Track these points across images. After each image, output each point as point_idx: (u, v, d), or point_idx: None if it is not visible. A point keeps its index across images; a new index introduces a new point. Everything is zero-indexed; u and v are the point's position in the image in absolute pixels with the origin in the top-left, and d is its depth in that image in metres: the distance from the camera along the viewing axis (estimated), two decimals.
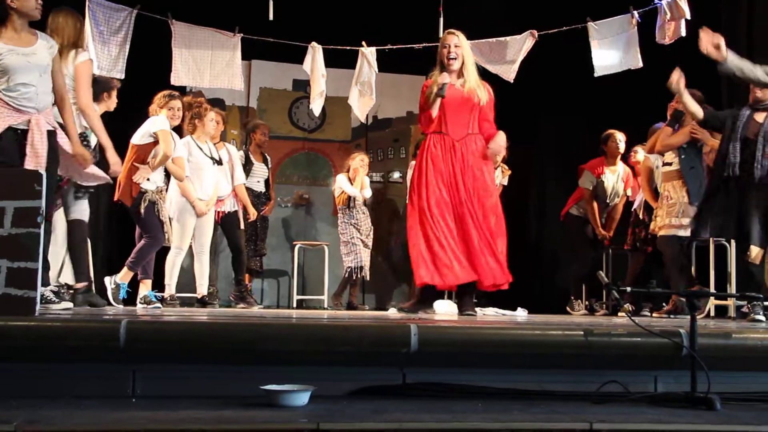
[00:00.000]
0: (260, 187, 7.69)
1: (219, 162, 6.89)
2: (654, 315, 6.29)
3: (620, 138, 7.29)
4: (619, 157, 7.36)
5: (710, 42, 4.78)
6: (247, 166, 7.57)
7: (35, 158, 4.26)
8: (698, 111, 5.36)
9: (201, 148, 6.74)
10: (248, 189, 7.37)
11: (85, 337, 2.97)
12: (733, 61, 4.84)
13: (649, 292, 3.44)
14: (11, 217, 3.24)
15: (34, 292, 3.26)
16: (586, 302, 7.38)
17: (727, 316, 5.94)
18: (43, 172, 4.15)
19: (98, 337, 2.96)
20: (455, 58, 5.10)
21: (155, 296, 6.17)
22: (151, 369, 3.01)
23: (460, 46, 5.13)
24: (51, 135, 4.40)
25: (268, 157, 7.93)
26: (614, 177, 7.36)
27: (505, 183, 7.92)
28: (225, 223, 7.05)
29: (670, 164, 6.10)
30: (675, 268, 5.91)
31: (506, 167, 7.92)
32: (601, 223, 7.37)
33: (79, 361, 2.99)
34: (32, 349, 2.94)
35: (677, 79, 5.23)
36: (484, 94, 5.17)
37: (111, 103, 5.77)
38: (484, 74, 7.56)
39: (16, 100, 4.24)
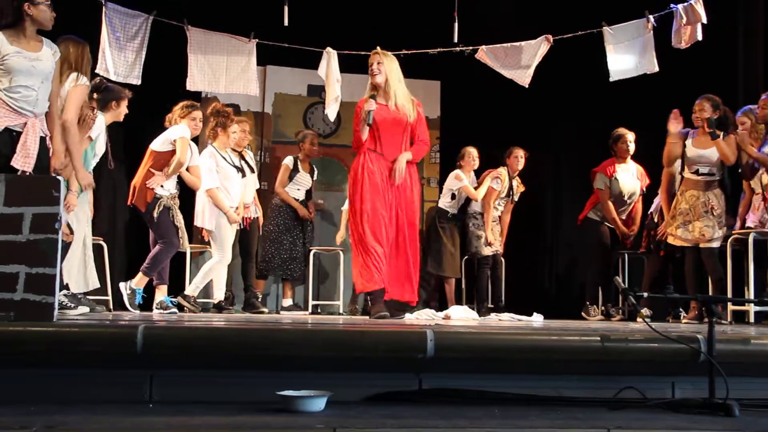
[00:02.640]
0: (300, 195, 7.74)
1: (241, 170, 6.95)
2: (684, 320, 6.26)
3: (631, 139, 7.24)
4: (629, 156, 7.30)
5: None
6: (293, 174, 7.69)
7: (24, 158, 4.29)
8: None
9: (224, 158, 6.80)
10: None
11: (102, 343, 2.98)
12: None
13: (666, 297, 3.42)
14: (29, 223, 3.26)
15: (52, 298, 3.28)
16: (602, 307, 7.33)
17: (745, 322, 5.89)
18: (29, 172, 4.21)
19: (115, 343, 2.97)
20: (377, 74, 5.41)
21: (171, 301, 6.19)
22: (168, 374, 3.02)
23: (382, 63, 5.44)
24: (43, 141, 4.44)
25: (315, 168, 8.01)
26: (628, 175, 7.28)
27: (516, 199, 7.93)
28: (249, 230, 7.15)
29: (712, 174, 6.06)
30: (716, 277, 5.94)
31: (521, 182, 7.92)
32: (622, 221, 7.29)
33: (97, 367, 3.00)
34: (50, 355, 2.96)
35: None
36: (412, 111, 5.43)
37: (120, 112, 5.77)
38: (498, 79, 7.63)
39: (16, 101, 4.28)
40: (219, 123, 6.84)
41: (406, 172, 5.36)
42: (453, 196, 7.80)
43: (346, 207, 7.78)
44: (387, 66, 5.42)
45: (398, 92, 5.40)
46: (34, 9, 4.30)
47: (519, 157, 7.83)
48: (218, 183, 6.70)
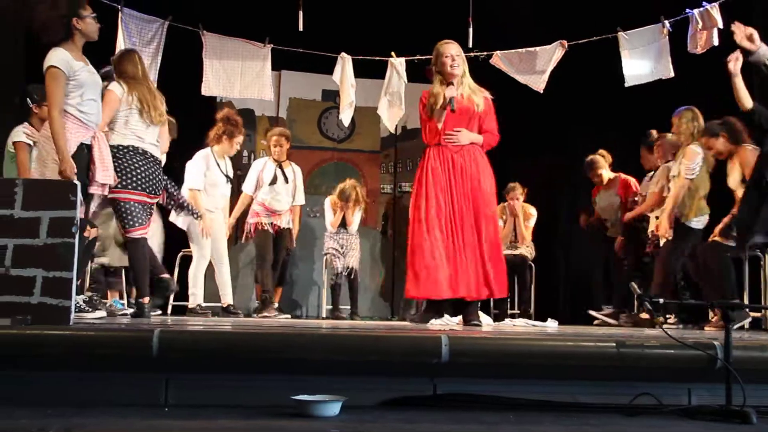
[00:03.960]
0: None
1: (231, 180, 7.05)
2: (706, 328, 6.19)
3: (601, 165, 7.33)
4: (605, 180, 7.39)
5: (744, 34, 4.79)
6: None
7: (104, 171, 4.39)
8: (748, 100, 5.21)
9: (218, 165, 6.84)
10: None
11: (118, 346, 3.00)
12: (765, 52, 4.80)
13: (681, 303, 3.41)
14: (47, 227, 3.29)
15: (69, 302, 3.30)
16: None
17: (762, 328, 5.85)
18: (113, 183, 4.33)
19: (131, 346, 2.99)
20: (458, 66, 5.16)
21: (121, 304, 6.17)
22: (183, 378, 3.03)
23: (460, 55, 5.21)
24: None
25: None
26: (606, 195, 7.37)
27: (531, 224, 8.00)
28: (278, 237, 7.22)
29: None
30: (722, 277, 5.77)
31: (529, 211, 7.98)
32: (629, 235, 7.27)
33: (113, 370, 3.02)
34: (67, 358, 2.98)
35: (736, 57, 5.13)
36: (480, 100, 5.19)
37: None
38: (512, 84, 7.62)
39: (87, 115, 4.36)
40: (227, 131, 6.85)
41: (472, 160, 5.11)
42: None
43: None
44: (463, 58, 5.24)
45: (470, 84, 5.23)
46: (82, 23, 4.37)
47: (516, 199, 7.97)
48: (202, 186, 6.76)
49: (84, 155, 4.34)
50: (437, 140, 5.15)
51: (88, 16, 4.40)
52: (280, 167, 7.29)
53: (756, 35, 4.82)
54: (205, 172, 6.79)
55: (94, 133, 4.41)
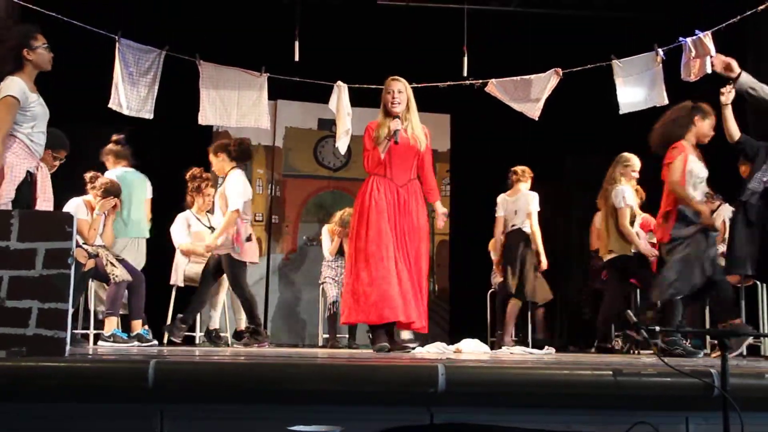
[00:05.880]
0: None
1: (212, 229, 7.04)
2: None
3: None
4: None
5: (722, 64, 5.13)
6: None
7: (46, 201, 4.41)
8: (735, 132, 5.36)
9: (200, 220, 6.93)
10: None
11: (114, 378, 2.98)
12: (747, 80, 5.06)
13: (677, 330, 3.40)
14: (42, 258, 3.28)
15: (64, 333, 3.28)
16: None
17: (760, 356, 5.84)
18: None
19: (127, 378, 2.97)
20: (399, 103, 5.35)
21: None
22: (179, 409, 3.01)
23: (402, 92, 5.40)
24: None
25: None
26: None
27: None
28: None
29: None
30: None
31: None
32: None
33: (108, 401, 3.00)
34: (62, 389, 2.95)
35: (729, 90, 5.28)
36: (423, 140, 5.41)
37: None
38: (508, 112, 7.66)
39: (35, 145, 4.39)
40: (194, 188, 6.97)
41: (411, 195, 5.36)
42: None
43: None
44: (407, 94, 5.42)
45: (414, 120, 5.41)
46: (33, 54, 4.38)
47: None
48: (188, 240, 6.94)
49: (28, 183, 4.36)
50: (377, 171, 5.36)
51: (39, 47, 4.39)
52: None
53: (734, 64, 5.09)
54: (188, 230, 6.96)
55: (37, 163, 4.44)
